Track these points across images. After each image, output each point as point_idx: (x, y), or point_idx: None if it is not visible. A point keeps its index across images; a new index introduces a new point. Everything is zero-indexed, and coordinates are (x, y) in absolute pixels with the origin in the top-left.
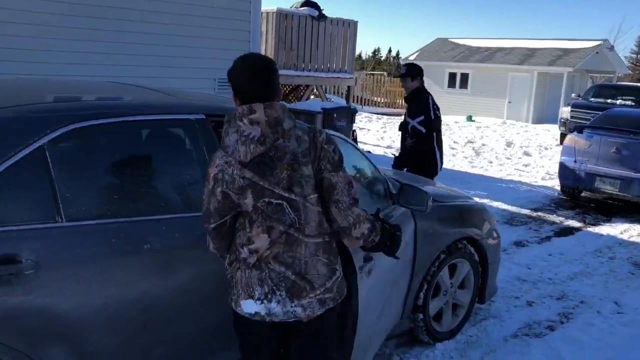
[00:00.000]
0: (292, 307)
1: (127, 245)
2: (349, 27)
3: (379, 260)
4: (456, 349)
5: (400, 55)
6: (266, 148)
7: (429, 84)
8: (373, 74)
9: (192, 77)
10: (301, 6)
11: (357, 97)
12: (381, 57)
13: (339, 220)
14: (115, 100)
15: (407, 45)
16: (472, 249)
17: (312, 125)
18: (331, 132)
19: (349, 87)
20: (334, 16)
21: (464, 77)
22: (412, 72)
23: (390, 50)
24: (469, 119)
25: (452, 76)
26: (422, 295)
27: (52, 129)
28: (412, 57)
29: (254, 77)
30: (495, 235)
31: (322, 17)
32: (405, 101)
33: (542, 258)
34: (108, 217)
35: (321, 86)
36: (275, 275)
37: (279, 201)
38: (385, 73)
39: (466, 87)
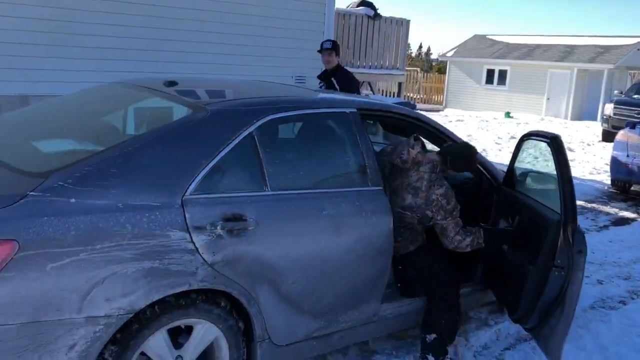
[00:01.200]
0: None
1: (312, 210)
2: (402, 26)
3: None
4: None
5: (431, 52)
6: (404, 167)
7: (466, 80)
8: (407, 70)
9: (273, 74)
10: (357, 6)
11: (392, 93)
12: (411, 52)
13: (446, 245)
14: (293, 97)
15: (437, 42)
16: None
17: None
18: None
19: (399, 83)
20: (387, 15)
21: (502, 74)
22: (337, 47)
23: (420, 46)
24: (507, 115)
25: (490, 73)
26: None
27: (257, 119)
28: (449, 54)
29: None
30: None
31: (377, 16)
32: (325, 77)
33: (603, 244)
34: (298, 189)
35: (367, 82)
36: None
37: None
38: (418, 69)
39: (504, 84)
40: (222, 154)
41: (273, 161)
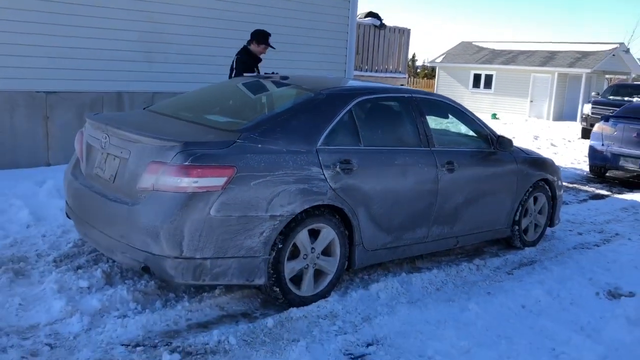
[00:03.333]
0: None
1: (389, 160)
2: (403, 34)
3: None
4: (537, 252)
5: (416, 58)
6: None
7: (454, 84)
8: None
9: None
10: (365, 17)
11: None
12: None
13: None
14: (373, 86)
15: (421, 49)
16: (547, 187)
17: None
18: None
19: (402, 85)
20: (391, 24)
21: (488, 78)
22: None
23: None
24: (494, 116)
25: (477, 77)
26: (518, 214)
27: (353, 100)
28: (438, 60)
29: None
30: (561, 181)
31: (382, 26)
32: (253, 64)
33: (582, 211)
34: (379, 145)
35: None
36: None
37: None
38: (405, 75)
39: (490, 88)
40: (335, 120)
41: (363, 127)
